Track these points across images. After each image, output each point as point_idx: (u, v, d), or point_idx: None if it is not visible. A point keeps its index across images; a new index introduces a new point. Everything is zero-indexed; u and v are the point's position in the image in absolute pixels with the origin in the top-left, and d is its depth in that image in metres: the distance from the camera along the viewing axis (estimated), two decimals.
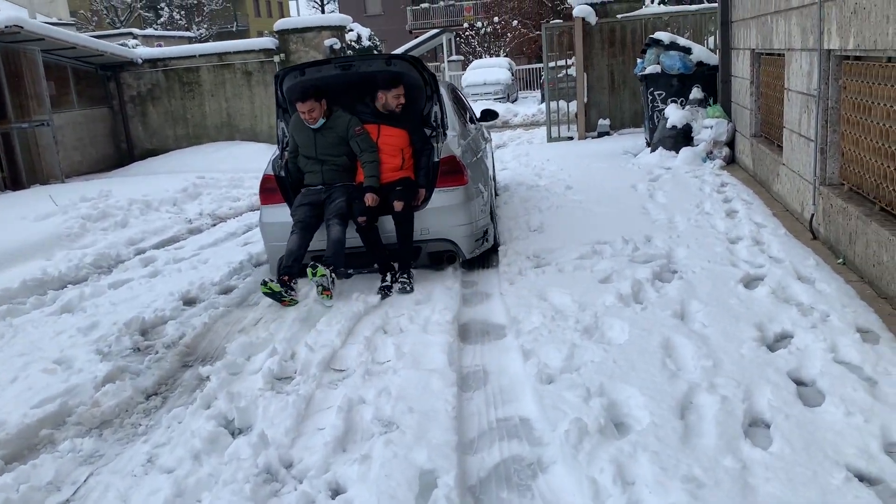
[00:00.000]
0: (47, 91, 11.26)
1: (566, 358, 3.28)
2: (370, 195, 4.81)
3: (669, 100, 9.21)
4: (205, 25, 39.56)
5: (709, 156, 8.27)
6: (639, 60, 9.93)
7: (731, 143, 8.37)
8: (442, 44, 27.69)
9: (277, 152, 5.45)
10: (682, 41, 9.28)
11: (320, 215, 4.87)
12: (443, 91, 5.61)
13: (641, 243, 5.09)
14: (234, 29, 44.86)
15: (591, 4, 11.76)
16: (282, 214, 5.00)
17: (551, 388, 3.01)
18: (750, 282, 4.21)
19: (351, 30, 14.78)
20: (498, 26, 28.12)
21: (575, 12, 11.76)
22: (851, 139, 4.62)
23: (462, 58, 29.74)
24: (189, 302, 4.99)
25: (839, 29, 4.43)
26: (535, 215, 6.27)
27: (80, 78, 12.92)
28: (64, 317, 4.80)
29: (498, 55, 29.13)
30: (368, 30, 15.94)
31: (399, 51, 23.74)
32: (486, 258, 5.45)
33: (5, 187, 10.61)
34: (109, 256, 6.38)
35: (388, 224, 4.87)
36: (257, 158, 10.99)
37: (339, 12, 37.03)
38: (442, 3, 36.94)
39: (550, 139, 12.31)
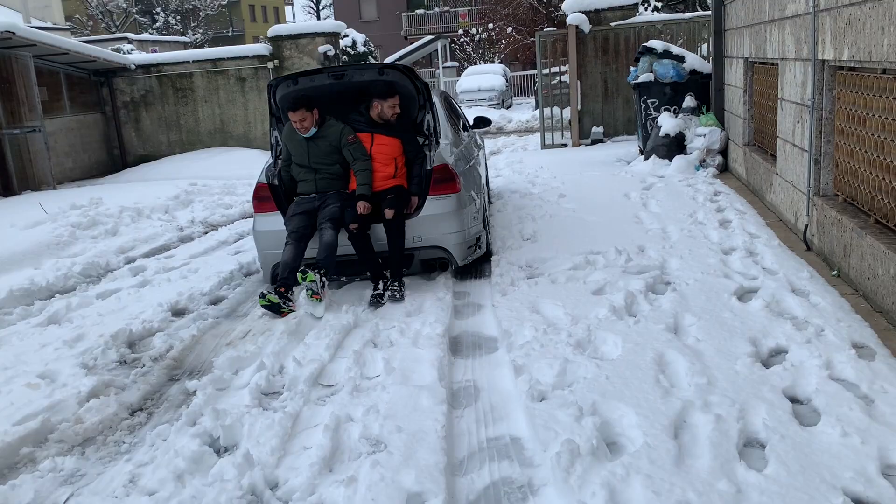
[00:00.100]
0: (39, 97, 11.19)
1: (558, 374, 3.23)
2: (362, 203, 4.83)
3: (662, 108, 9.20)
4: (200, 30, 39.53)
5: (702, 164, 8.25)
6: (632, 68, 9.92)
7: (724, 152, 8.36)
8: (437, 50, 27.72)
9: (271, 160, 5.46)
10: (675, 49, 9.27)
11: (314, 224, 4.89)
12: (435, 99, 5.64)
13: (635, 254, 5.06)
14: (229, 34, 44.86)
15: (585, 12, 11.76)
16: (275, 222, 5.01)
17: (543, 406, 2.95)
18: (744, 294, 4.18)
19: (346, 35, 14.79)
20: (493, 33, 28.13)
21: (569, 20, 11.75)
22: (846, 150, 4.59)
23: (457, 64, 29.79)
24: (178, 313, 4.93)
25: (833, 39, 4.41)
26: (529, 224, 6.23)
27: (73, 83, 12.85)
28: (50, 328, 4.73)
29: (493, 61, 29.17)
30: (363, 35, 15.97)
31: (394, 57, 23.77)
32: (478, 268, 5.41)
33: None
34: (99, 265, 6.30)
35: (380, 232, 4.88)
36: (251, 165, 10.95)
37: (335, 18, 37.08)
38: (437, 10, 36.99)
39: (544, 146, 12.29)
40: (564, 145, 12.17)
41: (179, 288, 5.38)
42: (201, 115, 13.57)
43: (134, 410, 3.49)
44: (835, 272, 4.44)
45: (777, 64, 5.95)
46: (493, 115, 17.75)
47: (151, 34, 34.44)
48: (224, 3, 42.06)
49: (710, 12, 9.29)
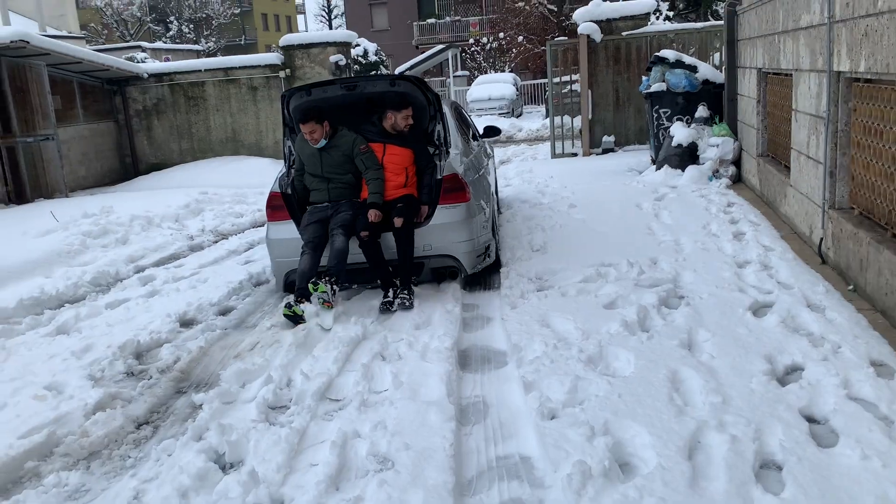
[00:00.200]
0: (52, 105, 11.28)
1: (569, 391, 3.17)
2: (373, 211, 4.89)
3: (675, 118, 9.13)
4: (213, 39, 39.86)
5: (715, 174, 8.17)
6: (644, 78, 9.87)
7: (737, 162, 8.28)
8: (448, 59, 27.75)
9: (284, 170, 5.54)
10: (687, 59, 9.21)
11: (328, 233, 4.92)
12: (446, 109, 5.69)
13: (647, 266, 4.99)
14: (242, 42, 45.21)
15: (597, 21, 11.72)
16: (287, 231, 5.07)
17: (553, 425, 2.90)
18: (758, 309, 4.10)
19: (357, 45, 14.81)
20: (503, 42, 28.15)
21: (580, 29, 11.72)
22: (862, 163, 4.51)
23: (468, 73, 29.80)
24: (186, 323, 4.91)
25: (849, 51, 4.34)
26: (538, 235, 6.18)
27: (86, 92, 12.95)
28: (59, 338, 4.72)
29: (503, 70, 29.17)
30: (375, 45, 15.99)
31: (405, 66, 23.82)
32: (487, 279, 5.37)
33: (9, 201, 10.60)
34: (108, 274, 6.31)
35: (390, 240, 4.91)
36: (262, 174, 10.97)
37: (347, 27, 37.30)
38: (448, 19, 37.10)
39: (555, 155, 12.24)
40: (575, 154, 12.11)
41: (188, 298, 5.37)
42: (213, 124, 13.63)
43: (140, 424, 3.46)
44: (851, 287, 4.36)
45: (791, 75, 5.88)
46: (504, 123, 17.72)
47: (165, 42, 34.75)
48: (237, 11, 42.43)
49: (722, 22, 9.24)
